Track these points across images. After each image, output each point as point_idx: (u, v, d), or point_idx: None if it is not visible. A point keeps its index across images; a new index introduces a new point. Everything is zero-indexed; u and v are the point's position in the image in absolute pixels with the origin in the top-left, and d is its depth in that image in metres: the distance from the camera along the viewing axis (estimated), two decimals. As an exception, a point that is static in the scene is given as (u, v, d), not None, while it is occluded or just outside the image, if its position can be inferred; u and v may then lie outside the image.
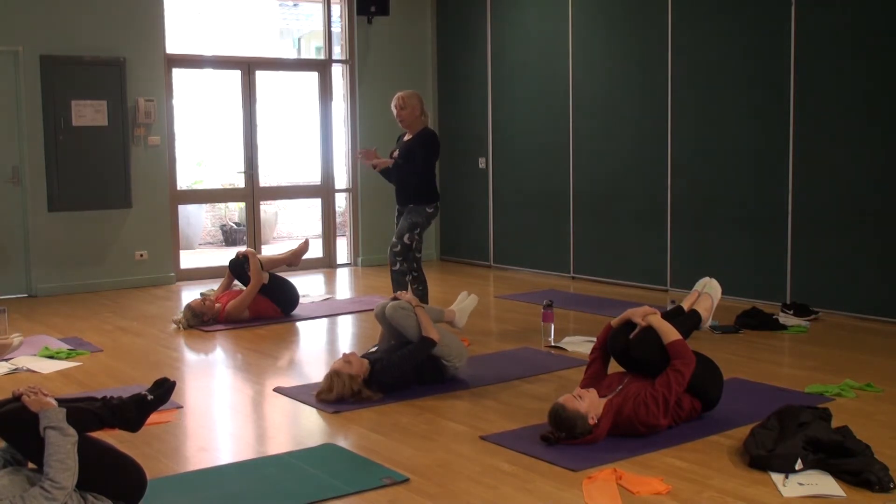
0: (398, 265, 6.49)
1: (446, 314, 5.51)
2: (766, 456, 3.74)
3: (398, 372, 4.95)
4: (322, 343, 6.73)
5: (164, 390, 3.50)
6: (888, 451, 3.86)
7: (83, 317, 7.41)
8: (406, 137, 6.64)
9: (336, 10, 10.13)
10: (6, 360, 5.80)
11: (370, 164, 6.78)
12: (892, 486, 3.52)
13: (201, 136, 12.40)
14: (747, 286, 7.45)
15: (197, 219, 12.45)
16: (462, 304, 5.70)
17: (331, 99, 10.11)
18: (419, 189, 6.54)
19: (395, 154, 6.62)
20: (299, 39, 14.50)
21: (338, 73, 10.17)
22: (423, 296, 6.45)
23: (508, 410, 4.70)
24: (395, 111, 6.58)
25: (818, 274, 7.10)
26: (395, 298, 5.30)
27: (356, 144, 10.11)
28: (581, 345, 6.04)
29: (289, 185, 11.72)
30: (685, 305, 4.76)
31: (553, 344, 6.12)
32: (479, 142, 9.97)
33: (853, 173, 6.85)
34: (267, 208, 12.01)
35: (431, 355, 5.10)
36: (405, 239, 6.48)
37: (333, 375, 4.85)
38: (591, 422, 4.05)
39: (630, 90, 8.38)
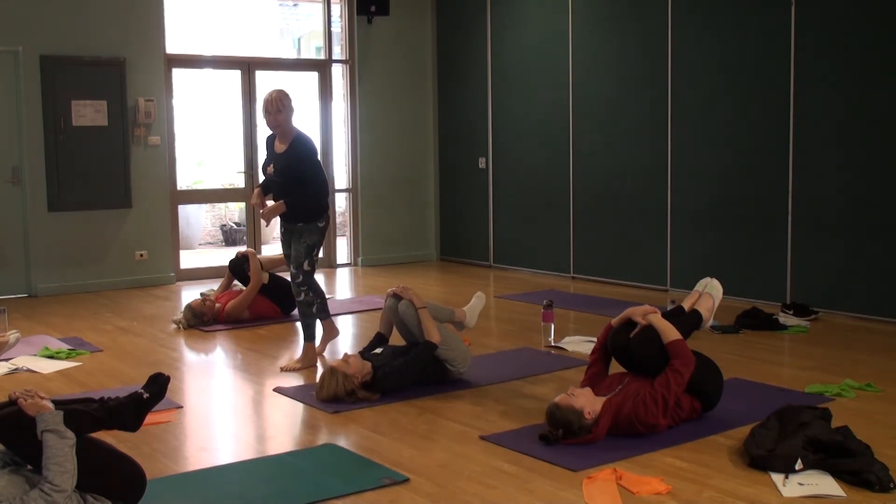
0: (303, 296, 5.77)
1: (457, 314, 5.47)
2: (766, 456, 3.74)
3: (401, 378, 4.95)
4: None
5: (159, 386, 3.49)
6: (888, 451, 3.86)
7: (83, 317, 7.40)
8: (278, 145, 5.70)
9: (336, 10, 10.12)
10: (5, 359, 5.80)
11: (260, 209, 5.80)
12: (892, 486, 3.51)
13: (201, 136, 12.40)
14: (747, 286, 7.45)
15: (197, 219, 12.45)
16: (471, 305, 5.65)
17: (331, 99, 10.11)
18: (308, 206, 5.68)
19: (270, 170, 5.72)
20: (299, 39, 14.50)
21: (338, 73, 10.17)
22: (322, 308, 5.89)
23: (508, 410, 4.70)
24: (266, 116, 5.56)
25: (818, 274, 7.10)
26: (395, 294, 5.27)
27: (356, 144, 10.12)
28: (581, 345, 6.04)
29: (289, 185, 11.71)
30: (686, 305, 4.74)
31: (553, 344, 6.12)
32: (479, 142, 9.97)
33: (853, 173, 6.85)
34: (267, 208, 11.99)
35: (436, 359, 5.09)
36: (305, 266, 5.71)
37: (328, 373, 4.85)
38: (587, 417, 4.05)
39: (630, 90, 8.37)
